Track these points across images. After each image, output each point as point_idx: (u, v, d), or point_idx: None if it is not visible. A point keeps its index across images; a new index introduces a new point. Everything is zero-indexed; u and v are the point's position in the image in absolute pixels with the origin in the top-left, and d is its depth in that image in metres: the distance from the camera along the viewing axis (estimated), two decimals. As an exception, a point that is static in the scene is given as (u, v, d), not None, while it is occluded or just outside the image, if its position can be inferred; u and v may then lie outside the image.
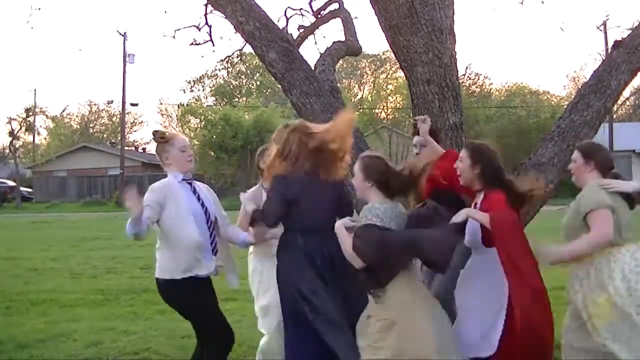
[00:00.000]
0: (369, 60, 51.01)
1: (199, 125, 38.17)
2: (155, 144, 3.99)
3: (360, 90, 54.50)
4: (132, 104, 40.36)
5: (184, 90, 57.59)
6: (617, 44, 5.35)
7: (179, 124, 49.40)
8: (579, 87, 5.81)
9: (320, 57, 6.75)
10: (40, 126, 49.89)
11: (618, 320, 3.40)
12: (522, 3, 9.21)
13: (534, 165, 5.14)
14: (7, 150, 40.12)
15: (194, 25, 8.95)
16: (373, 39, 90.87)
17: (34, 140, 48.79)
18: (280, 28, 6.37)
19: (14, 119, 37.45)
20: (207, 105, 45.89)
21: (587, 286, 3.53)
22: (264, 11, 5.57)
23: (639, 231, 3.67)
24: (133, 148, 48.47)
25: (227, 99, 49.95)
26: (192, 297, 3.77)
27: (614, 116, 33.07)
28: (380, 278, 3.29)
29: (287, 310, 3.72)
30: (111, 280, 9.22)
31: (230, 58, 14.29)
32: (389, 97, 51.95)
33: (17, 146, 39.35)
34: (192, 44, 9.26)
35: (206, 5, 8.22)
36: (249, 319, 6.32)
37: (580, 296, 3.55)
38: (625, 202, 3.60)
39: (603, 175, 3.68)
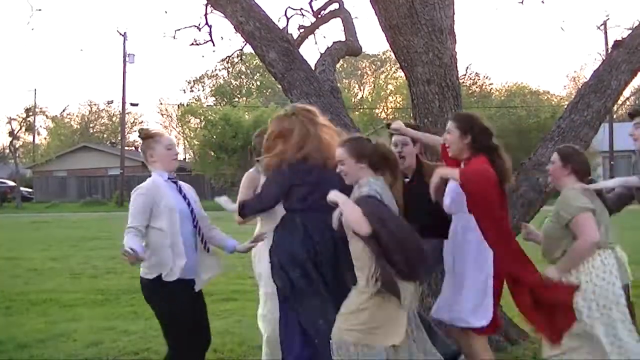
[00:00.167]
0: (369, 61, 50.98)
1: (199, 125, 38.15)
2: (140, 141, 3.94)
3: (360, 90, 54.50)
4: (132, 104, 40.40)
5: (184, 90, 57.69)
6: (617, 43, 5.35)
7: (179, 124, 49.43)
8: (579, 87, 5.81)
9: (321, 57, 6.75)
10: (40, 126, 50.01)
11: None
12: (522, 3, 9.17)
13: (534, 165, 5.14)
14: (7, 150, 40.15)
15: (195, 26, 8.97)
16: (373, 39, 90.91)
17: (34, 140, 48.85)
18: (281, 28, 6.37)
19: (14, 119, 37.49)
20: (207, 105, 45.90)
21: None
22: (264, 11, 5.57)
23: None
24: (133, 148, 48.44)
25: (227, 99, 49.94)
26: (176, 299, 3.70)
27: (614, 116, 33.10)
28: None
29: (279, 281, 3.73)
30: (111, 280, 9.21)
31: (231, 58, 14.24)
32: (389, 97, 51.95)
33: (17, 146, 39.39)
34: (192, 44, 9.29)
35: (206, 5, 8.23)
36: (249, 318, 6.32)
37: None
38: (604, 206, 3.68)
39: (580, 179, 3.73)
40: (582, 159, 3.81)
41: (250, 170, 4.31)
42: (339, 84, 6.65)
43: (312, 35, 9.03)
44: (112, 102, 52.65)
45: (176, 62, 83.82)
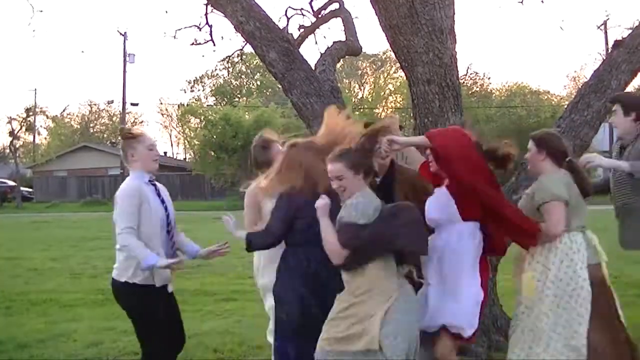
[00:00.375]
0: (369, 61, 50.97)
1: (199, 125, 38.14)
2: (121, 140, 3.90)
3: (360, 90, 54.49)
4: (133, 104, 40.49)
5: (184, 90, 57.68)
6: (617, 43, 5.35)
7: (179, 124, 49.44)
8: (579, 86, 5.80)
9: (321, 57, 6.74)
10: (41, 126, 50.02)
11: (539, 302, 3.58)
12: (522, 3, 9.16)
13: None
14: (8, 150, 40.15)
15: (195, 25, 8.96)
16: (373, 39, 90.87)
17: (34, 140, 48.85)
18: (281, 28, 6.37)
19: (14, 119, 37.53)
20: (207, 105, 45.89)
21: (528, 267, 3.68)
22: (264, 11, 5.57)
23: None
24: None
25: (227, 98, 49.93)
26: (149, 304, 3.70)
27: (614, 116, 33.06)
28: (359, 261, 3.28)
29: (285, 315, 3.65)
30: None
31: (231, 58, 14.28)
32: (389, 97, 51.95)
33: (17, 146, 39.40)
34: (192, 43, 9.27)
35: (206, 5, 8.22)
36: (249, 319, 6.33)
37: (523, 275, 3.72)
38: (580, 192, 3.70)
39: (557, 163, 3.73)
40: (556, 142, 3.79)
41: (251, 186, 4.19)
42: (339, 84, 6.64)
43: (312, 35, 9.03)
44: (112, 102, 52.69)
45: (176, 62, 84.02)
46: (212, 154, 33.64)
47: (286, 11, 9.03)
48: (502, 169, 3.64)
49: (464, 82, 39.90)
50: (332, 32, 26.46)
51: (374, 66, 52.61)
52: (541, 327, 3.56)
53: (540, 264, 3.64)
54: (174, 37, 9.96)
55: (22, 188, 36.32)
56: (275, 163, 3.77)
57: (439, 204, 3.61)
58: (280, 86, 5.82)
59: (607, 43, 29.96)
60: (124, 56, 35.33)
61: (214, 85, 54.65)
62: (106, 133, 54.98)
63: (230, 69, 52.04)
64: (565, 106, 5.70)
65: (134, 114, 53.26)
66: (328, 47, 7.12)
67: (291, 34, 8.27)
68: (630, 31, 5.51)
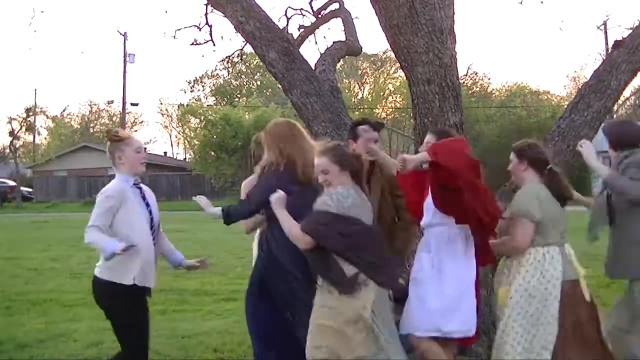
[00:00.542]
0: (369, 61, 50.97)
1: (199, 125, 38.16)
2: (109, 142, 3.88)
3: (360, 90, 54.49)
4: (133, 104, 40.44)
5: (184, 90, 57.74)
6: (617, 43, 5.35)
7: (179, 124, 49.43)
8: (579, 87, 5.80)
9: (321, 57, 6.74)
10: (41, 126, 50.00)
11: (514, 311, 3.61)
12: (521, 3, 9.18)
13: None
14: (8, 150, 40.11)
15: (195, 25, 8.94)
16: (373, 39, 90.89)
17: (34, 140, 48.82)
18: (281, 28, 6.37)
19: (15, 119, 37.53)
20: (207, 105, 45.90)
21: (506, 279, 3.72)
22: (264, 11, 5.57)
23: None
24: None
25: (227, 99, 49.95)
26: (129, 305, 3.70)
27: (614, 116, 33.05)
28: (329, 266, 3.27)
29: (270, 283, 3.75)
30: (111, 280, 9.21)
31: (231, 58, 14.26)
32: (389, 97, 51.95)
33: (17, 146, 39.36)
34: (192, 43, 9.25)
35: (206, 5, 8.21)
36: (249, 319, 6.32)
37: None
38: (557, 202, 3.72)
39: (539, 172, 3.77)
40: (536, 151, 3.83)
41: (250, 177, 4.29)
42: (339, 84, 6.64)
43: (312, 35, 9.02)
44: (112, 102, 52.76)
45: (176, 62, 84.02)
46: (212, 154, 33.67)
47: (286, 11, 9.03)
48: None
49: (464, 82, 39.92)
50: (332, 32, 26.49)
51: (374, 66, 52.63)
52: (509, 342, 3.59)
53: (515, 279, 3.67)
54: (174, 37, 9.94)
55: (22, 188, 36.32)
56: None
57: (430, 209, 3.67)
58: (280, 86, 5.82)
59: (607, 43, 29.92)
60: (124, 56, 35.33)
61: (214, 85, 54.69)
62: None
63: (230, 69, 52.05)
64: (565, 106, 5.70)
65: (134, 114, 53.39)
66: (328, 47, 7.12)
67: (291, 34, 8.26)
68: (630, 31, 5.51)
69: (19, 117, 37.87)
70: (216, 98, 51.85)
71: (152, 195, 3.94)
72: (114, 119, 53.70)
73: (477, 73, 45.79)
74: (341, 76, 47.00)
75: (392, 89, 51.25)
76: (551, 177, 3.76)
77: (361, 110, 45.03)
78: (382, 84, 52.36)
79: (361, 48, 7.98)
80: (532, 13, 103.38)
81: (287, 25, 8.87)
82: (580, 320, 3.62)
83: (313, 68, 5.92)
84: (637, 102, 36.29)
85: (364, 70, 53.51)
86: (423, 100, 5.02)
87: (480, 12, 79.69)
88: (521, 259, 3.66)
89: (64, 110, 55.09)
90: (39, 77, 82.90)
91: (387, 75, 51.93)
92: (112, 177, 3.96)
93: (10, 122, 37.29)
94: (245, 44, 7.69)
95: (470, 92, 41.62)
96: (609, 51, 5.57)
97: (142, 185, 3.89)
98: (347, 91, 47.79)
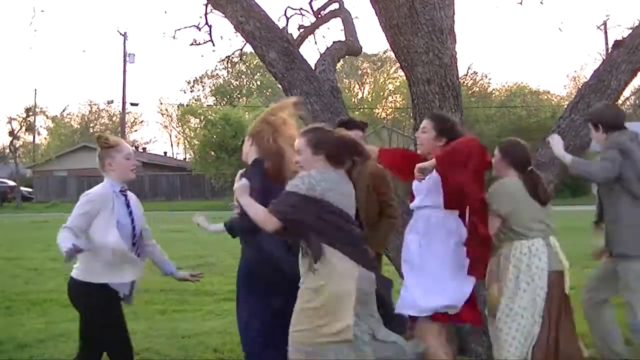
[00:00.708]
0: (369, 61, 50.95)
1: (199, 125, 38.15)
2: (99, 148, 3.86)
3: (360, 90, 54.47)
4: (132, 104, 40.52)
5: (184, 90, 57.75)
6: (617, 43, 5.35)
7: (179, 124, 49.42)
8: (579, 86, 5.80)
9: (321, 57, 6.74)
10: (41, 126, 50.01)
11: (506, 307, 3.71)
12: (521, 3, 9.17)
13: (534, 165, 5.13)
14: (7, 150, 40.14)
15: (194, 25, 8.95)
16: (373, 39, 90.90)
17: (34, 140, 48.84)
18: (281, 28, 6.37)
19: (14, 119, 37.55)
20: (207, 105, 45.89)
21: (495, 278, 3.82)
22: (264, 11, 5.57)
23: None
24: (133, 148, 48.43)
25: (227, 99, 49.93)
26: (103, 305, 3.69)
27: (614, 116, 33.07)
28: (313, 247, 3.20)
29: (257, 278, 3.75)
30: (111, 280, 9.20)
31: (231, 58, 14.27)
32: (389, 97, 51.94)
33: (17, 146, 39.38)
34: (192, 44, 9.27)
35: (206, 5, 8.22)
36: (249, 319, 6.31)
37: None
38: (532, 198, 3.83)
39: (520, 171, 3.90)
40: (519, 151, 3.97)
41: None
42: (339, 84, 6.64)
43: (312, 35, 9.02)
44: (112, 102, 52.80)
45: (176, 62, 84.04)
46: (212, 154, 33.66)
47: (286, 11, 9.04)
48: None
49: (464, 82, 39.89)
50: (332, 32, 26.53)
51: (374, 66, 52.59)
52: (507, 339, 3.68)
53: (504, 275, 3.77)
54: (174, 37, 9.99)
55: (22, 188, 36.33)
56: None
57: (428, 184, 3.71)
58: (280, 86, 5.82)
59: (607, 43, 29.95)
60: (124, 56, 35.38)
61: (213, 85, 54.68)
62: (106, 133, 54.97)
63: (230, 69, 52.06)
64: (565, 106, 5.70)
65: (134, 114, 53.43)
66: (328, 47, 7.12)
67: (291, 34, 8.26)
68: (630, 31, 5.51)
69: (19, 117, 37.94)
70: (216, 98, 51.82)
71: (137, 203, 3.91)
72: (113, 119, 53.77)
73: (477, 73, 45.77)
74: (341, 76, 46.99)
75: (392, 89, 51.20)
76: (530, 178, 3.89)
77: (361, 110, 45.02)
78: (382, 84, 52.30)
79: (361, 48, 7.98)
80: (532, 13, 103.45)
81: (287, 25, 8.88)
82: (562, 310, 3.75)
83: (313, 68, 5.92)
84: (637, 102, 36.32)
85: (364, 70, 53.47)
86: (423, 100, 5.02)
87: (480, 12, 79.80)
88: (507, 254, 3.78)
89: (63, 110, 55.24)
90: (38, 77, 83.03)
91: (387, 75, 51.89)
92: (112, 177, 3.92)
93: (10, 122, 37.36)
94: (245, 44, 7.69)
95: (470, 92, 41.58)
96: (609, 51, 5.57)
97: (128, 192, 3.86)
98: (347, 91, 47.76)
